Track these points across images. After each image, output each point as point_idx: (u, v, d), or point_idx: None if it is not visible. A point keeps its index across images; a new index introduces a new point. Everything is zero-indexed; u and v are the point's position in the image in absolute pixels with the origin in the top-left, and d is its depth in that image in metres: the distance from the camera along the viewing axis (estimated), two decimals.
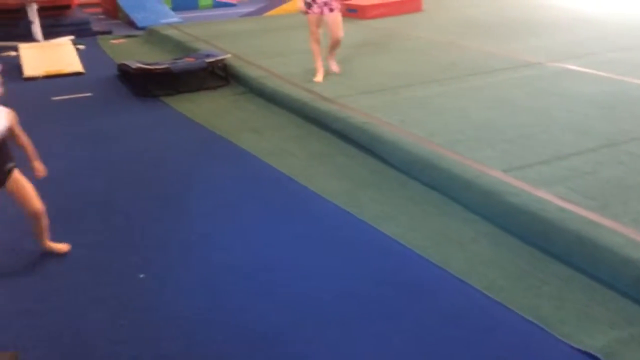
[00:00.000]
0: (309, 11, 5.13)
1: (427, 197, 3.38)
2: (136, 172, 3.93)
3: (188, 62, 5.96)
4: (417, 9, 9.11)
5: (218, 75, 6.03)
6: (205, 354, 2.21)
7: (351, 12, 8.72)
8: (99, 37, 9.05)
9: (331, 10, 5.07)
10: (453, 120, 4.20)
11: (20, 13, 8.35)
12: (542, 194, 3.00)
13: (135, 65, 5.73)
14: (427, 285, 2.61)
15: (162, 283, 2.67)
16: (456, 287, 2.57)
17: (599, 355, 2.09)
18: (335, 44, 5.32)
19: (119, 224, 3.22)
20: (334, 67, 5.51)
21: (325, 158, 4.04)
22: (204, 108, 5.23)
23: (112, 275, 2.74)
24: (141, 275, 2.71)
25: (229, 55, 6.14)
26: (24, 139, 2.75)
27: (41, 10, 8.34)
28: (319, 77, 5.32)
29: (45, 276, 2.75)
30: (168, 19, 10.02)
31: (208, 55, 6.07)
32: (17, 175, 2.69)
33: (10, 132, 2.65)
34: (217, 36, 7.75)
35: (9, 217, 3.10)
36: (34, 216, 2.76)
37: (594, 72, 5.20)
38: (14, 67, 6.84)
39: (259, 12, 10.57)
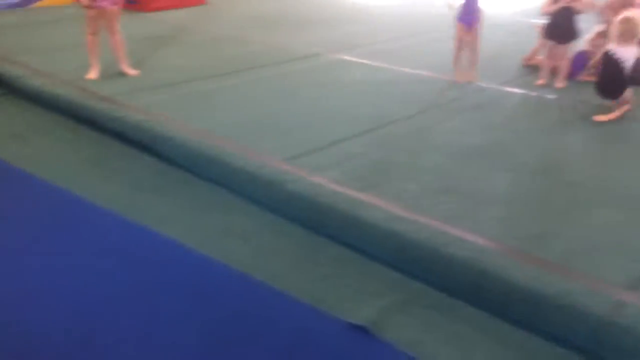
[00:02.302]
0: (93, 4, 4.69)
1: (210, 193, 3.31)
2: None
3: None
4: (201, 1, 8.96)
5: None
6: None
7: (131, 4, 8.22)
8: None
9: (114, 3, 4.74)
10: (236, 113, 4.19)
11: None
12: (318, 179, 3.13)
13: None
14: (211, 285, 2.55)
15: None
16: (240, 283, 2.55)
17: (367, 326, 2.24)
18: (122, 43, 4.97)
19: None
20: (131, 70, 5.08)
21: (100, 162, 3.73)
22: None
23: None
24: None
25: None
26: None
27: None
28: (93, 74, 4.91)
29: None
30: None
31: None
32: None
33: None
34: None
35: None
36: None
37: (365, 61, 5.63)
38: None
39: (25, 4, 9.40)
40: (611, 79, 4.00)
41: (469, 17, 4.73)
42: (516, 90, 4.69)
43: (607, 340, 2.02)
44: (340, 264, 2.67)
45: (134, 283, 2.53)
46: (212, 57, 5.83)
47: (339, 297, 2.45)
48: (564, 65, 4.66)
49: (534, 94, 4.59)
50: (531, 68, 5.16)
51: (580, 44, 4.90)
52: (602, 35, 4.78)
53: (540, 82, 4.76)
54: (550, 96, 4.52)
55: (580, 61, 4.83)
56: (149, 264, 2.68)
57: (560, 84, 4.66)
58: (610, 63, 3.97)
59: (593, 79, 4.79)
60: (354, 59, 5.72)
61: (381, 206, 2.83)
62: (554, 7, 4.55)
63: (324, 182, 3.10)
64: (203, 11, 8.58)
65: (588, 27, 4.95)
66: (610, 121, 4.01)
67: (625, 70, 3.93)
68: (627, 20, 3.90)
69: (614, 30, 3.98)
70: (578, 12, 4.54)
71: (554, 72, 4.75)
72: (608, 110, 4.10)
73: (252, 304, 2.43)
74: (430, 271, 2.50)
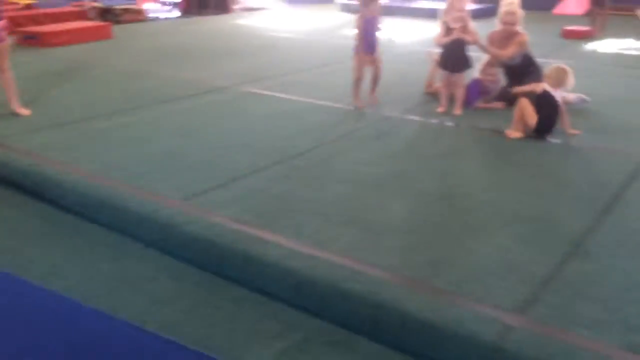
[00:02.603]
0: None
1: (103, 240, 3.13)
2: None
3: None
4: (106, 36, 8.70)
5: None
6: None
7: (29, 39, 7.87)
8: None
9: (1, 40, 4.51)
10: (136, 151, 4.03)
11: None
12: (218, 218, 3.04)
13: None
14: (100, 339, 2.37)
15: None
16: (130, 334, 2.39)
17: None
18: (12, 81, 4.71)
19: None
20: (22, 109, 4.80)
21: None
22: None
23: None
24: None
25: None
26: None
27: None
28: None
29: None
30: None
31: None
32: None
33: None
34: None
35: None
36: None
37: (271, 93, 5.64)
38: None
39: None
40: (549, 116, 4.26)
41: (371, 43, 4.92)
42: (417, 118, 4.84)
43: None
44: (239, 306, 2.58)
45: (12, 342, 2.31)
46: (114, 93, 5.64)
47: (237, 342, 2.36)
48: (460, 94, 4.88)
49: (433, 121, 4.76)
50: (432, 96, 5.36)
51: (474, 73, 5.16)
52: (491, 64, 5.06)
53: (440, 109, 4.94)
54: (449, 123, 4.69)
55: (475, 89, 5.07)
56: (30, 321, 2.46)
57: (457, 111, 4.86)
58: (549, 102, 4.23)
59: (488, 106, 5.06)
60: (260, 91, 5.71)
61: (280, 243, 2.77)
62: (447, 39, 4.77)
63: (223, 220, 3.01)
64: (108, 46, 8.34)
65: (479, 56, 5.23)
66: (506, 145, 4.20)
67: (559, 110, 4.24)
68: (562, 70, 4.27)
69: (548, 75, 4.30)
70: (469, 43, 4.79)
71: (452, 100, 4.96)
72: (502, 134, 4.34)
73: (142, 357, 2.28)
74: (329, 307, 2.46)
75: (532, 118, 4.23)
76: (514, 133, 4.30)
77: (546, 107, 4.24)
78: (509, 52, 4.88)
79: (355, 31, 5.00)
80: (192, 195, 3.31)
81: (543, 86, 4.28)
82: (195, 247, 2.89)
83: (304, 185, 3.50)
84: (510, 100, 4.71)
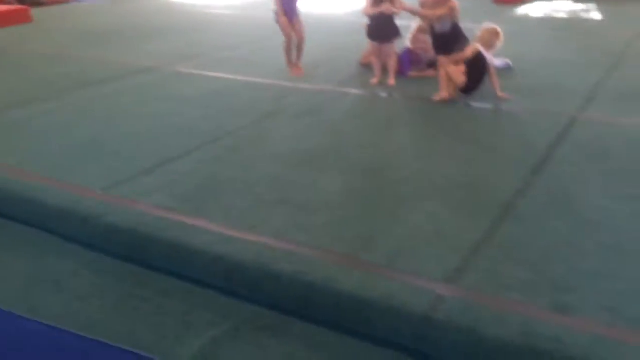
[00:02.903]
0: None
1: (20, 237, 2.94)
2: None
3: None
4: (25, 20, 8.17)
5: None
6: None
7: None
8: None
9: None
10: (56, 141, 3.80)
11: None
12: (142, 206, 2.89)
13: None
14: (17, 343, 2.21)
15: None
16: (50, 336, 2.24)
17: None
18: None
19: None
20: None
21: None
22: None
23: None
24: None
25: None
26: None
27: None
28: None
29: None
30: None
31: None
32: None
33: None
34: None
35: None
36: None
37: (202, 72, 5.43)
38: None
39: None
40: (478, 76, 4.30)
41: (290, 9, 5.06)
42: (352, 90, 4.76)
43: (429, 337, 2.03)
44: (167, 297, 2.46)
45: None
46: (33, 79, 5.30)
47: (166, 335, 2.25)
48: (392, 64, 4.82)
49: (367, 93, 4.69)
50: (368, 67, 5.28)
51: (405, 42, 5.10)
52: (422, 30, 5.01)
53: (374, 80, 4.87)
54: (383, 94, 4.64)
55: (406, 58, 5.02)
56: None
57: (390, 81, 4.80)
58: (481, 63, 4.26)
59: (421, 74, 5.03)
60: (191, 71, 5.49)
61: (208, 228, 2.66)
62: (374, 10, 4.67)
63: (147, 208, 2.86)
64: (27, 30, 7.83)
65: (408, 25, 5.17)
66: (438, 113, 4.18)
67: (488, 71, 4.29)
68: (493, 31, 4.30)
69: (480, 36, 4.32)
70: (397, 14, 4.71)
71: (385, 70, 4.89)
72: (433, 102, 4.33)
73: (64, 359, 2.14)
74: (260, 292, 2.38)
75: (460, 77, 4.28)
76: (443, 94, 4.32)
77: (478, 67, 4.27)
78: (438, 12, 4.81)
79: None
80: (115, 184, 3.14)
81: (477, 47, 4.28)
82: (118, 239, 2.73)
83: (234, 166, 3.38)
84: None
